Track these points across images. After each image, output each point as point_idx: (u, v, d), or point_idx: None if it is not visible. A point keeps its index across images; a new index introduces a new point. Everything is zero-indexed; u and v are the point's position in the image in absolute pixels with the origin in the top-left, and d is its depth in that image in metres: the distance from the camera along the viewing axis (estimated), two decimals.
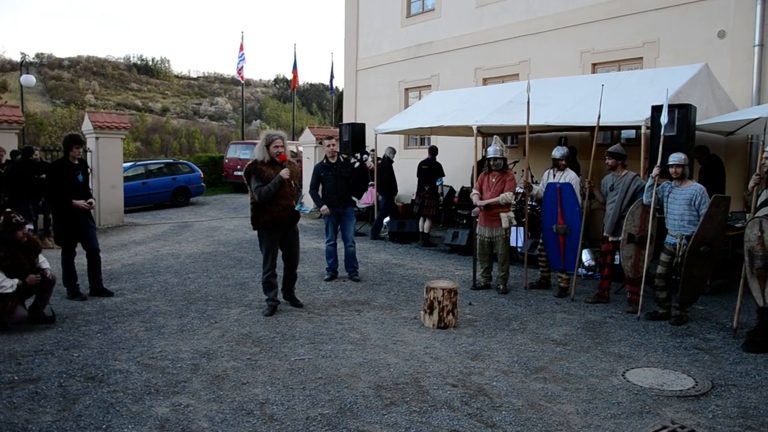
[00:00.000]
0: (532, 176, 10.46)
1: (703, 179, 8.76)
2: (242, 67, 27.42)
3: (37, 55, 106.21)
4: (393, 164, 13.07)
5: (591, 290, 8.01)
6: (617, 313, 7.12)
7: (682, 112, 7.24)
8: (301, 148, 17.25)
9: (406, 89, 17.38)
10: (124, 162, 16.73)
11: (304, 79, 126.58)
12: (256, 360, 5.40)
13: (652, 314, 6.84)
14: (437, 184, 12.20)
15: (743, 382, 5.00)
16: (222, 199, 21.28)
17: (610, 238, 7.44)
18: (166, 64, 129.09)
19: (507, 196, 7.87)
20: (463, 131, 11.86)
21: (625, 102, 8.76)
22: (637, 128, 8.97)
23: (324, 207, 8.30)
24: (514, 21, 14.00)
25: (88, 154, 14.00)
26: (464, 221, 11.82)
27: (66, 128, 49.60)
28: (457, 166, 13.70)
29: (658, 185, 6.79)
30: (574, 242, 7.76)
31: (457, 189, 13.33)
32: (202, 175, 21.01)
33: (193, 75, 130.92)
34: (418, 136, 16.54)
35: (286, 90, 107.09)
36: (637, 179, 7.35)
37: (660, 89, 7.76)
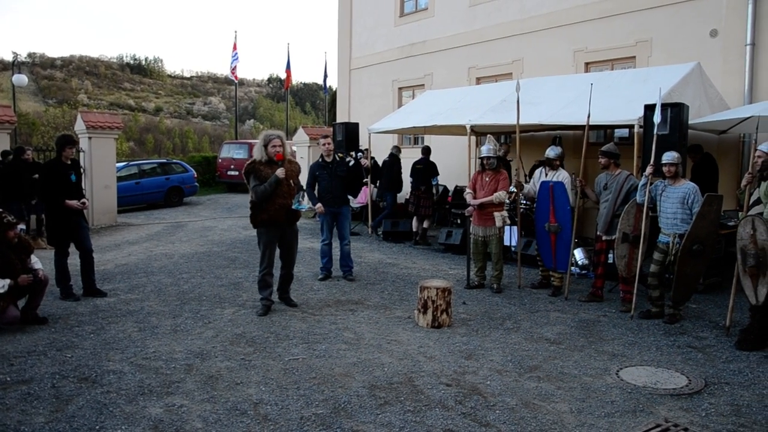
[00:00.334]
0: (526, 175, 10.50)
1: (696, 178, 8.78)
2: (236, 66, 27.36)
3: (29, 55, 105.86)
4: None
5: (585, 289, 8.03)
6: (611, 311, 7.14)
7: (675, 111, 7.26)
8: (294, 148, 17.24)
9: (400, 88, 17.39)
10: (117, 162, 16.66)
11: (297, 78, 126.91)
12: (250, 360, 5.39)
13: (645, 313, 6.86)
14: (433, 183, 12.22)
15: (736, 380, 5.02)
16: (215, 199, 21.23)
17: (604, 237, 7.46)
18: (159, 64, 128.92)
19: (501, 195, 7.88)
20: (456, 130, 11.88)
21: (618, 101, 8.77)
22: (630, 127, 8.99)
23: (319, 205, 8.30)
24: (507, 20, 14.02)
25: (81, 154, 13.93)
26: (458, 220, 11.83)
27: (58, 128, 49.45)
28: (451, 165, 13.70)
29: (651, 184, 6.81)
30: (565, 241, 7.78)
31: (451, 188, 13.35)
32: (196, 175, 20.93)
33: (187, 74, 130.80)
34: (412, 136, 16.54)
35: (279, 89, 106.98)
36: (630, 178, 7.37)
37: (653, 88, 7.78)
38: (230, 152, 23.60)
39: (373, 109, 17.35)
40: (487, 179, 8.05)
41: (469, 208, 8.20)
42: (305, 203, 6.88)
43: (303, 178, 7.46)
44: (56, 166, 7.39)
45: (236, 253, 10.86)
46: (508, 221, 8.17)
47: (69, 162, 7.51)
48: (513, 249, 9.66)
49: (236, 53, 27.03)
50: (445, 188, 13.58)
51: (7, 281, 6.00)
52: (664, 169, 6.69)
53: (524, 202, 9.60)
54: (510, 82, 12.37)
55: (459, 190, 12.60)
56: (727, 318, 6.30)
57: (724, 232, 7.85)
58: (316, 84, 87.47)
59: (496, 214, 7.96)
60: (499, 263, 8.12)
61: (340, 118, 18.82)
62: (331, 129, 14.53)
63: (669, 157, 6.67)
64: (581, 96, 9.36)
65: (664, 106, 7.09)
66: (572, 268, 8.02)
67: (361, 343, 5.90)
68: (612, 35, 11.96)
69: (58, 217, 7.34)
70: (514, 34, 13.83)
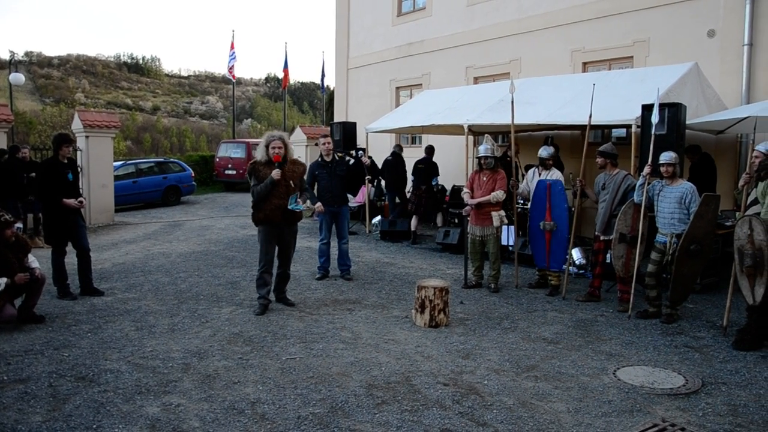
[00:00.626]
0: (523, 175, 10.50)
1: (695, 178, 8.80)
2: (233, 65, 27.35)
3: (27, 54, 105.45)
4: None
5: (582, 289, 8.03)
6: (608, 311, 7.15)
7: (673, 111, 7.27)
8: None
9: (397, 88, 17.39)
10: (115, 161, 16.63)
11: (295, 77, 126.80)
12: (248, 359, 5.38)
13: (642, 313, 6.87)
14: (433, 183, 12.23)
15: (733, 380, 5.03)
16: (213, 198, 21.21)
17: (602, 237, 7.47)
18: (157, 63, 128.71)
19: (498, 194, 7.88)
20: (454, 130, 11.88)
21: (616, 101, 8.79)
22: (628, 127, 9.00)
23: (318, 205, 8.28)
24: (504, 20, 14.02)
25: (78, 153, 13.91)
26: (455, 220, 11.84)
27: (56, 127, 49.35)
28: (448, 165, 13.69)
29: (648, 184, 6.82)
30: (560, 240, 7.79)
31: (448, 188, 13.34)
32: (193, 174, 20.93)
33: (184, 73, 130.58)
34: (410, 135, 16.54)
35: (277, 89, 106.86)
36: (628, 178, 7.38)
37: (650, 88, 7.79)
38: (227, 151, 23.59)
39: (371, 108, 17.34)
40: (484, 179, 8.05)
41: (467, 208, 8.21)
42: (302, 204, 6.87)
43: None
44: (53, 165, 7.37)
45: (234, 252, 10.84)
46: (506, 221, 8.18)
47: (66, 161, 7.50)
48: (510, 248, 9.67)
49: (234, 52, 27.03)
50: (443, 188, 13.58)
51: (4, 280, 5.99)
52: (662, 169, 6.70)
53: (521, 200, 9.61)
54: (507, 82, 12.38)
55: (456, 190, 12.61)
56: (725, 318, 6.31)
57: (722, 232, 7.87)
58: (314, 83, 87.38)
59: (493, 213, 7.97)
60: (496, 263, 8.12)
61: (338, 117, 18.80)
62: (329, 128, 14.53)
63: (666, 157, 6.68)
64: (578, 96, 9.39)
65: (661, 106, 7.10)
66: (570, 267, 8.02)
67: (358, 342, 5.90)
68: (609, 35, 11.98)
69: (56, 216, 7.33)
70: (512, 34, 13.85)
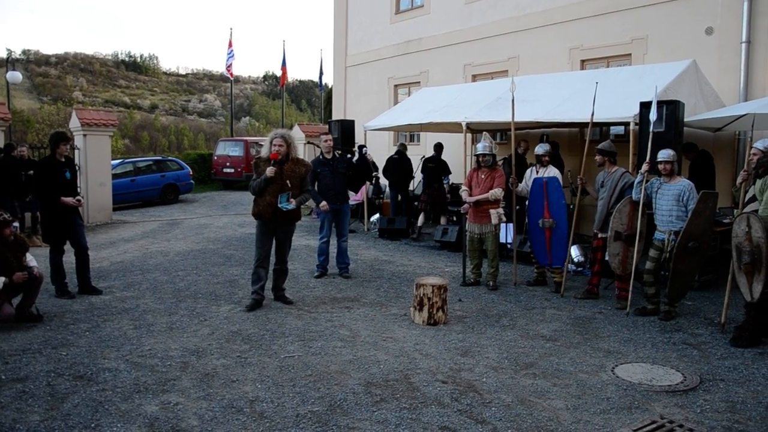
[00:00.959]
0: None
1: (693, 175, 8.80)
2: (231, 63, 27.30)
3: (24, 52, 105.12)
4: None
5: (580, 286, 8.04)
6: (606, 308, 7.16)
7: (671, 109, 7.27)
8: None
9: (396, 86, 17.37)
10: (113, 159, 16.62)
11: (293, 75, 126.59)
12: (246, 357, 5.38)
13: (640, 310, 6.88)
14: (444, 182, 12.24)
15: (731, 377, 5.04)
16: (211, 197, 21.19)
17: (600, 235, 7.48)
18: (155, 61, 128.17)
19: (496, 192, 7.88)
20: (452, 128, 11.86)
21: (614, 98, 8.78)
22: (626, 124, 9.00)
23: (323, 203, 8.27)
24: (503, 17, 14.01)
25: (76, 151, 13.89)
26: (454, 218, 11.83)
27: (53, 125, 49.25)
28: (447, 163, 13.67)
29: (646, 181, 6.83)
30: (560, 236, 7.80)
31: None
32: (191, 173, 20.88)
33: (182, 72, 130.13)
34: (408, 133, 16.53)
35: (275, 87, 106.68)
36: (625, 176, 7.38)
37: (648, 85, 7.79)
38: (226, 149, 23.55)
39: (369, 106, 17.33)
40: (482, 176, 8.05)
41: (465, 206, 8.21)
42: (293, 203, 6.85)
43: None
44: (51, 164, 7.36)
45: (232, 250, 10.84)
46: (504, 218, 8.18)
47: (63, 159, 7.48)
48: (509, 246, 9.67)
49: (232, 50, 26.99)
50: (454, 186, 13.56)
51: (3, 279, 5.98)
52: (660, 166, 6.71)
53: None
54: (505, 79, 12.36)
55: (455, 188, 12.59)
56: (723, 315, 6.32)
57: (720, 229, 7.87)
58: (312, 81, 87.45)
59: (491, 211, 7.96)
60: (495, 260, 8.13)
61: (336, 115, 18.79)
62: (327, 126, 14.51)
63: (664, 154, 6.68)
64: (577, 93, 9.38)
65: (659, 103, 7.10)
66: (568, 265, 8.02)
67: (356, 340, 5.90)
68: (607, 33, 11.97)
69: (54, 215, 7.32)
70: (510, 32, 13.83)
